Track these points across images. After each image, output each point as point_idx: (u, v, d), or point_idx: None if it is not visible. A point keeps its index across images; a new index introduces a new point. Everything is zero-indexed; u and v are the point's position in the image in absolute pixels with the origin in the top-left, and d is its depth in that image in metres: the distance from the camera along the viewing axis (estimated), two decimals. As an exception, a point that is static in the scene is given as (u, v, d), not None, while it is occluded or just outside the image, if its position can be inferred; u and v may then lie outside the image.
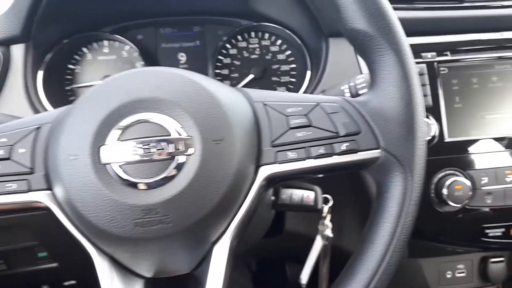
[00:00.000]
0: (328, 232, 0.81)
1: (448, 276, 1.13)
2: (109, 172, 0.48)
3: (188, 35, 1.01)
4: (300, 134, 0.53)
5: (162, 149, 0.48)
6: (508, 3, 0.86)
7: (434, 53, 0.85)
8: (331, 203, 0.80)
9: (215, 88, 0.52)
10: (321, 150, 0.53)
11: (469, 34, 0.87)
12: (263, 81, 1.01)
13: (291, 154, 0.53)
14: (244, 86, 1.00)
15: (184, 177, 0.48)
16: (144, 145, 0.48)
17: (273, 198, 0.76)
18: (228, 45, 1.00)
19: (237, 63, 1.01)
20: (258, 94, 0.57)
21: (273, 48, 1.01)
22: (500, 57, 0.87)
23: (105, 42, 0.98)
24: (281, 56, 1.01)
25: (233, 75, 1.01)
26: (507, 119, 0.86)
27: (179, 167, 0.48)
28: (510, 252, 1.11)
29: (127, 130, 0.49)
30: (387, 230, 0.52)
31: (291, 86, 1.01)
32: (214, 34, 1.00)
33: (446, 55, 0.85)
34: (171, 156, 0.48)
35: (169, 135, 0.48)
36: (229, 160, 0.49)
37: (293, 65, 1.01)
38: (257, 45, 1.01)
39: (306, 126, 0.54)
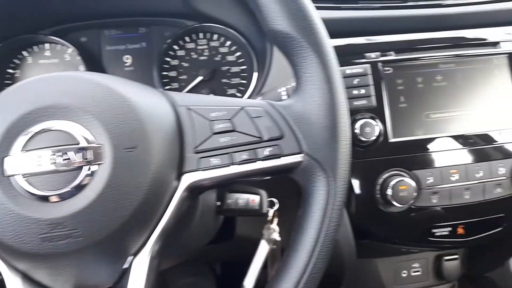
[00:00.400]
0: (276, 236, 0.80)
1: (404, 275, 1.13)
2: (13, 185, 0.45)
3: (134, 37, 0.98)
4: (224, 140, 0.52)
5: (69, 159, 0.45)
6: (449, 2, 0.87)
7: (378, 53, 0.84)
8: (276, 206, 0.78)
9: (131, 93, 0.50)
10: (244, 156, 0.51)
11: (413, 33, 0.87)
12: (213, 83, 0.99)
13: (215, 161, 0.51)
14: (193, 88, 0.98)
15: (93, 188, 0.45)
16: (51, 155, 0.45)
17: (218, 203, 0.75)
18: (175, 47, 0.98)
19: (186, 64, 0.99)
20: (183, 98, 0.55)
21: (222, 50, 1.00)
22: (444, 56, 0.87)
23: (46, 45, 0.95)
24: (230, 58, 1.00)
25: (181, 77, 0.98)
26: (451, 118, 0.86)
27: (88, 177, 0.45)
28: (464, 250, 1.12)
29: (33, 139, 0.46)
30: (310, 236, 0.51)
31: (242, 88, 0.99)
32: (160, 35, 0.97)
33: (391, 55, 0.85)
34: (79, 166, 0.45)
35: (78, 144, 0.46)
36: (144, 169, 0.47)
37: (244, 67, 1.00)
38: (206, 47, 0.99)
39: (230, 131, 0.52)
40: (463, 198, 0.86)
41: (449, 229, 0.88)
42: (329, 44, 0.53)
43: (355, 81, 0.83)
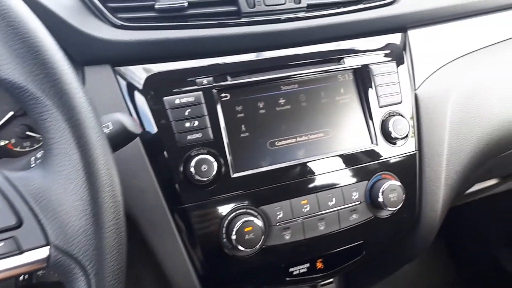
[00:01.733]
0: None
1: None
2: None
3: None
4: None
5: None
6: (287, 16, 0.78)
7: (210, 78, 0.73)
8: None
9: None
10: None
11: (250, 53, 0.78)
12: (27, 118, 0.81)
13: None
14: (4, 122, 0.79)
15: None
16: None
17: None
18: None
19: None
20: None
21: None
22: (285, 77, 0.79)
23: None
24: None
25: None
26: (298, 145, 0.78)
27: None
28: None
29: None
30: None
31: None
32: None
33: (226, 79, 0.75)
34: None
35: None
36: None
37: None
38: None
39: None
40: (318, 230, 0.79)
41: (307, 265, 0.81)
42: (78, 94, 0.40)
43: (187, 112, 0.71)
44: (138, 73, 0.71)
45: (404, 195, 0.81)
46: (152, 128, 0.70)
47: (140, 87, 0.71)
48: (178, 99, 0.71)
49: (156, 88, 0.71)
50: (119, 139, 0.53)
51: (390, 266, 1.07)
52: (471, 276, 1.94)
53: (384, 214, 0.83)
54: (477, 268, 1.93)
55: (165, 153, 0.70)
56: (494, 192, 1.35)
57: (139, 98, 0.71)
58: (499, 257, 1.83)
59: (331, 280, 1.04)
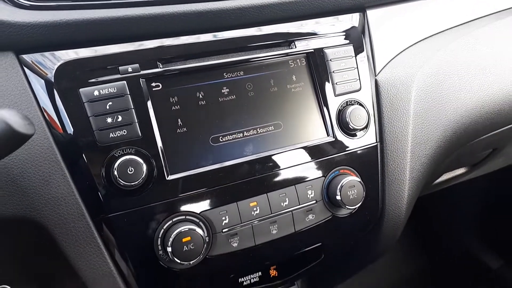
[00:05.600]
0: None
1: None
2: None
3: None
4: None
5: None
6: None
7: (136, 65, 0.63)
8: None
9: None
10: None
11: (185, 36, 0.67)
12: None
13: None
14: None
15: None
16: None
17: None
18: None
19: None
20: None
21: None
22: (227, 63, 0.69)
23: None
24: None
25: None
26: (244, 140, 0.69)
27: None
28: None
29: None
30: None
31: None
32: None
33: (156, 66, 0.65)
34: None
35: None
36: None
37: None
38: None
39: None
40: (270, 234, 0.70)
41: (259, 274, 0.73)
42: None
43: (108, 105, 0.61)
44: (48, 61, 0.60)
45: (364, 192, 0.74)
46: (67, 125, 0.60)
47: (51, 77, 0.60)
48: (97, 91, 0.60)
49: (71, 78, 0.60)
50: (2, 142, 0.42)
51: (353, 267, 1.00)
52: (443, 265, 1.93)
53: (343, 213, 0.75)
54: (448, 256, 1.92)
55: (83, 155, 0.60)
56: (464, 180, 1.30)
57: (50, 91, 0.60)
58: (470, 245, 1.82)
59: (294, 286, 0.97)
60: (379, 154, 0.79)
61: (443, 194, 1.38)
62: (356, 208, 0.74)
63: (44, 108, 0.60)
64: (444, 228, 1.92)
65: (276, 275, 0.74)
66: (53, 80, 0.59)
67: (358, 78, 0.78)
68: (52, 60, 0.60)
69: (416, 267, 1.95)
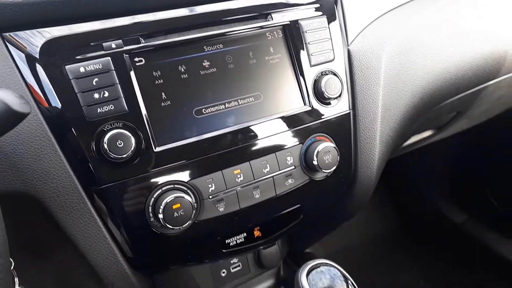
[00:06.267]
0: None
1: (223, 274, 1.04)
2: None
3: None
4: None
5: None
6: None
7: (119, 41, 0.65)
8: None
9: None
10: None
11: (165, 10, 0.69)
12: None
13: None
14: None
15: None
16: None
17: None
18: None
19: None
20: None
21: None
22: (208, 36, 0.72)
23: None
24: None
25: None
26: (227, 111, 0.73)
27: None
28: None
29: None
30: None
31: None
32: None
33: (139, 41, 0.66)
34: None
35: None
36: None
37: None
38: None
39: None
40: (254, 199, 0.75)
41: (244, 235, 0.78)
42: None
43: (94, 81, 0.63)
44: (33, 39, 0.61)
45: (339, 156, 0.79)
46: (56, 102, 0.61)
47: (36, 55, 0.61)
48: (82, 67, 0.62)
49: (56, 55, 0.61)
50: (1, 121, 0.45)
51: (330, 225, 1.08)
52: (414, 223, 2.05)
53: (320, 176, 0.81)
54: (419, 214, 2.04)
55: (73, 130, 0.62)
56: (431, 142, 1.38)
57: (37, 69, 0.61)
58: (437, 203, 1.94)
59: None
60: (351, 121, 0.85)
61: (413, 156, 1.46)
62: (331, 171, 0.80)
63: (31, 86, 0.61)
64: (413, 188, 2.03)
65: (260, 235, 0.80)
66: (38, 58, 0.60)
67: (331, 48, 0.82)
68: (36, 38, 0.61)
69: (387, 225, 2.08)
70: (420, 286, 1.73)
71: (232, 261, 1.04)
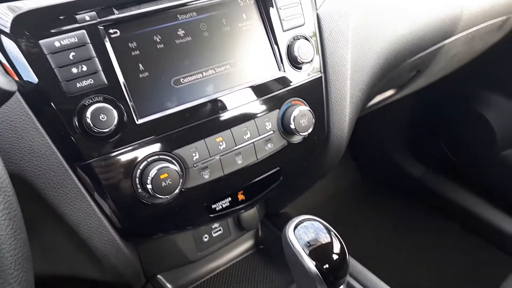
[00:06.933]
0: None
1: (206, 239, 1.07)
2: None
3: None
4: None
5: None
6: None
7: (93, 13, 0.63)
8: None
9: None
10: None
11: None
12: None
13: None
14: None
15: None
16: None
17: None
18: None
19: None
20: None
21: None
22: (179, 5, 0.71)
23: None
24: None
25: None
26: (206, 80, 0.73)
27: None
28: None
29: None
30: None
31: None
32: None
33: (112, 13, 0.65)
34: None
35: None
36: None
37: None
38: None
39: None
40: (236, 164, 0.78)
41: (229, 199, 0.81)
42: None
43: (71, 55, 0.61)
44: (2, 14, 0.58)
45: (314, 119, 0.82)
46: (33, 79, 0.60)
47: (7, 30, 0.58)
48: (57, 42, 0.60)
49: (29, 30, 0.59)
50: None
51: (305, 185, 1.13)
52: (373, 176, 2.17)
53: (297, 139, 0.84)
54: (377, 168, 2.16)
55: (54, 106, 0.61)
56: (393, 100, 1.45)
57: (9, 45, 0.59)
58: (398, 158, 2.05)
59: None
60: (323, 84, 0.88)
61: (375, 114, 1.53)
62: (307, 134, 0.83)
63: (5, 65, 0.59)
64: (373, 143, 2.13)
65: (244, 198, 0.83)
66: (9, 33, 0.58)
67: (302, 13, 0.83)
68: (6, 13, 0.58)
69: (350, 179, 2.18)
70: (390, 231, 1.86)
71: (213, 226, 1.08)
